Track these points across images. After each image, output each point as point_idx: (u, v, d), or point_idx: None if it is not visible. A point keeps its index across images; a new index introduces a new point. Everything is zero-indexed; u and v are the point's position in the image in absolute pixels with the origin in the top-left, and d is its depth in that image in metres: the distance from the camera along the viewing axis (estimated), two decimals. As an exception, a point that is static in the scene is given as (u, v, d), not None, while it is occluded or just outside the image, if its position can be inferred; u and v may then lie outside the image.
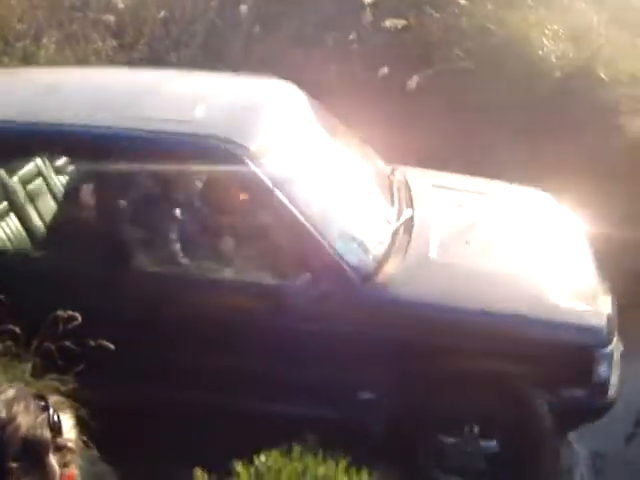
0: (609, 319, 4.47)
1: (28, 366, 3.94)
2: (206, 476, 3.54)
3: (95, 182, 4.82)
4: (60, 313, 3.82)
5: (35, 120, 4.71)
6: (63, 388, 3.54)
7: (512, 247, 4.89)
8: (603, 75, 8.27)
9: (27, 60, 7.63)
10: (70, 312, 3.81)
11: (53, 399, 1.77)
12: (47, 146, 4.92)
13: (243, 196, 4.95)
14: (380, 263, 4.43)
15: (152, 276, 4.57)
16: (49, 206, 5.29)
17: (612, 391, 4.42)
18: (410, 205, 4.96)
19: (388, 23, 8.06)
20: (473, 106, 7.32)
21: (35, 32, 7.98)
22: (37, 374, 3.89)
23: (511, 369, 4.26)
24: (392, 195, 5.04)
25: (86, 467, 2.07)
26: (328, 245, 4.30)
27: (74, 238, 4.66)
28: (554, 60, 8.50)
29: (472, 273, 4.54)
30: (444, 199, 5.24)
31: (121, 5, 8.60)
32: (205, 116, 4.70)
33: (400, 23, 8.12)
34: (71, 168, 5.45)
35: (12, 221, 5.00)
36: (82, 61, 7.79)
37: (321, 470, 3.56)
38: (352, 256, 4.37)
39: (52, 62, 7.62)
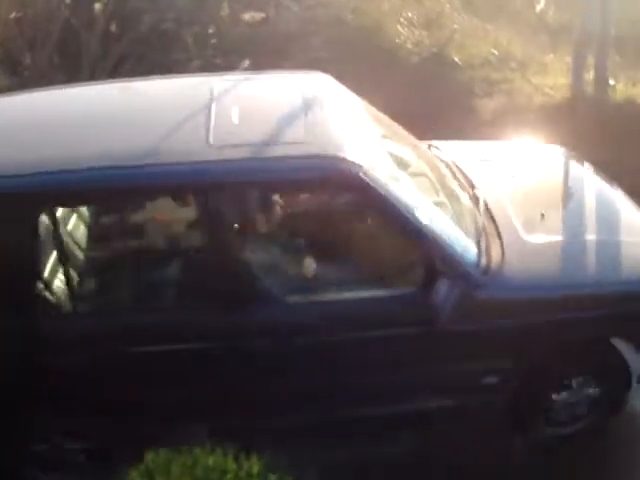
0: None
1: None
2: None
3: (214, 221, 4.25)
4: None
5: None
6: None
7: (580, 211, 5.00)
8: (457, 60, 8.58)
9: None
10: None
11: None
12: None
13: (364, 213, 4.69)
14: (488, 254, 4.47)
15: (292, 307, 4.37)
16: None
17: None
18: (473, 186, 4.92)
19: (247, 16, 8.13)
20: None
21: None
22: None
23: (617, 330, 4.58)
24: (457, 180, 4.99)
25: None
26: (450, 248, 4.29)
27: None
28: (410, 47, 8.76)
29: (570, 247, 4.67)
30: (496, 172, 5.22)
31: (-30, 6, 8.31)
32: (303, 134, 4.29)
33: (259, 16, 8.21)
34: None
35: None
36: None
37: (210, 460, 3.60)
38: (468, 254, 4.39)
39: None
